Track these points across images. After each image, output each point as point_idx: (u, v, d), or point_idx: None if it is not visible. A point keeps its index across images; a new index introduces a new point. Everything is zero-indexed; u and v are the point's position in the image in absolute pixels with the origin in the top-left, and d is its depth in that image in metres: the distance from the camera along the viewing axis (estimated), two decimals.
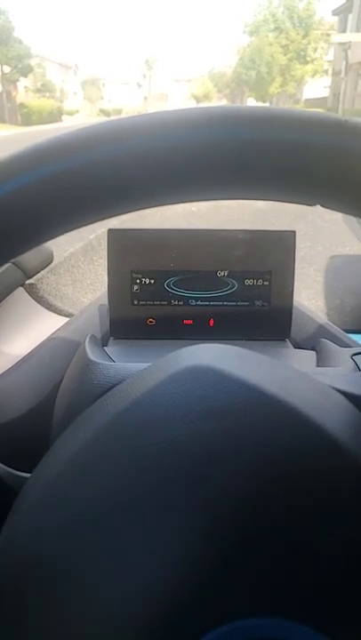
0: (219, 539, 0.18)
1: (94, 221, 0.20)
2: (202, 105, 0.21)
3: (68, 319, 0.54)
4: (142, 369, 0.24)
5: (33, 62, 32.80)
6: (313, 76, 32.68)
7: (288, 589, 0.18)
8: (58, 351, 0.46)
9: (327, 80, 31.38)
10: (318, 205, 0.20)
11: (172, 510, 0.18)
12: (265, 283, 0.46)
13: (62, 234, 0.20)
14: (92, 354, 0.33)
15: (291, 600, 0.18)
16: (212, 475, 0.18)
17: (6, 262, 0.20)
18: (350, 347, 0.43)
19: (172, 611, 0.18)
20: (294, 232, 0.45)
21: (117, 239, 0.45)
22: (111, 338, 0.47)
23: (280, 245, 0.45)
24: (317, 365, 0.39)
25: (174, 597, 0.18)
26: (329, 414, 0.20)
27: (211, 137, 0.18)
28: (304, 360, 0.41)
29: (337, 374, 0.30)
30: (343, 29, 25.40)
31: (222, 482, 0.18)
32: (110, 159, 0.17)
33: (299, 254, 0.46)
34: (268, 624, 0.18)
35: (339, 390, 0.23)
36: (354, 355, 0.36)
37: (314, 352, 0.42)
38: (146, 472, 0.19)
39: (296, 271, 0.46)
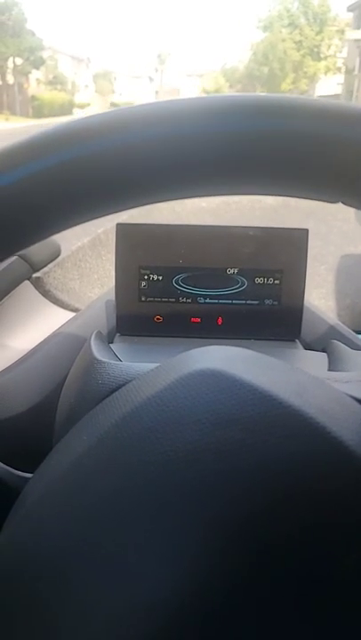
0: (226, 556, 0.17)
1: (101, 215, 0.19)
2: None
3: (74, 314, 0.54)
4: (149, 370, 0.23)
5: (45, 55, 32.84)
6: (326, 73, 32.37)
7: (302, 613, 0.17)
8: (63, 347, 0.46)
9: (340, 77, 31.07)
10: (340, 203, 0.19)
11: (177, 523, 0.17)
12: (276, 282, 0.44)
13: (73, 226, 0.19)
14: (97, 352, 0.32)
15: (304, 624, 0.17)
16: (222, 487, 0.17)
17: (13, 254, 0.19)
18: None
19: (176, 623, 0.17)
20: (307, 230, 0.44)
21: (126, 234, 0.44)
22: (117, 334, 0.46)
23: (292, 243, 0.44)
24: (329, 369, 0.38)
25: (178, 608, 0.17)
26: (346, 424, 0.19)
27: (227, 128, 0.17)
28: (315, 363, 0.40)
29: (351, 380, 0.29)
30: (358, 26, 25.14)
31: (232, 495, 0.17)
32: (117, 149, 0.17)
33: (310, 253, 0.45)
34: None
35: (355, 399, 0.22)
36: None
37: (325, 354, 0.41)
38: (151, 480, 0.18)
39: (307, 270, 0.45)
